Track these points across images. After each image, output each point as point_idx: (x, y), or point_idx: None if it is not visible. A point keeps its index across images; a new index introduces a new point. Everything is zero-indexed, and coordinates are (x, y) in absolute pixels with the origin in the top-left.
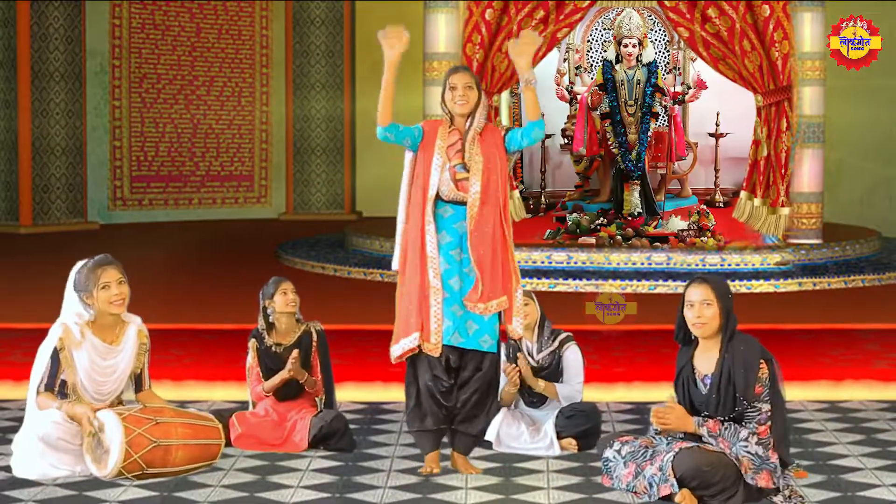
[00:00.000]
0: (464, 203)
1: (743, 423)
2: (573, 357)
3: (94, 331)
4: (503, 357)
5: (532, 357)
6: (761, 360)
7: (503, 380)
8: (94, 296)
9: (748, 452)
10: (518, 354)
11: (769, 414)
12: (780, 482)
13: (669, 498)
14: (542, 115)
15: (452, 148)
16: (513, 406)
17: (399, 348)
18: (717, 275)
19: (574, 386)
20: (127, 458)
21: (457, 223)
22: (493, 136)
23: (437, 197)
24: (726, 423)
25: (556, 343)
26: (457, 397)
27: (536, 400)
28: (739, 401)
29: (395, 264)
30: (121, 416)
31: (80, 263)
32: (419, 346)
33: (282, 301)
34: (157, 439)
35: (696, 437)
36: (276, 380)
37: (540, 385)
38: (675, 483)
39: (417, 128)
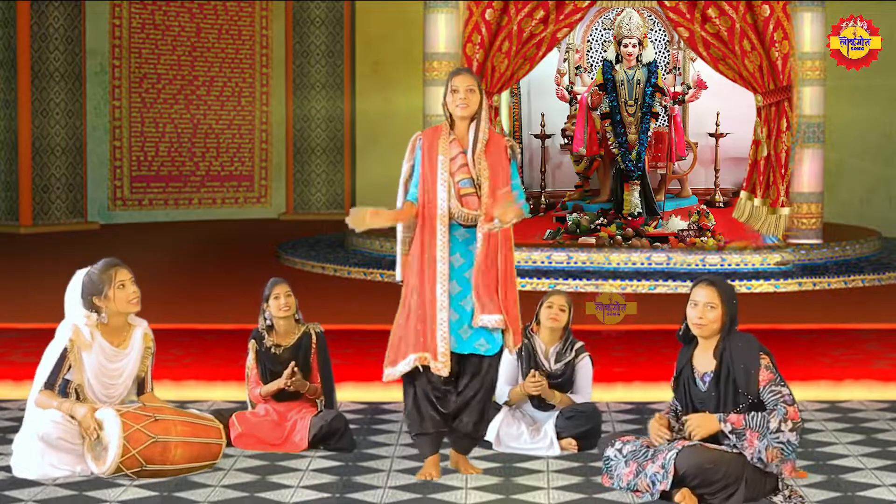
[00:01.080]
0: (467, 224)
1: (768, 411)
2: (586, 369)
3: (102, 333)
4: (511, 358)
5: (548, 362)
6: (760, 353)
7: (501, 382)
8: (111, 296)
9: (780, 443)
10: (533, 371)
11: (792, 396)
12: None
13: (670, 495)
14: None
15: (455, 162)
16: (514, 406)
17: (394, 373)
18: (718, 275)
19: (585, 397)
20: (125, 453)
21: (456, 231)
22: (499, 147)
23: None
24: (752, 413)
25: (573, 353)
26: (456, 400)
27: (545, 406)
28: (743, 396)
29: (398, 276)
30: (119, 413)
31: (83, 271)
32: (424, 366)
33: (275, 305)
34: (155, 435)
35: (706, 439)
36: (273, 387)
37: (556, 397)
38: (671, 482)
39: (416, 160)
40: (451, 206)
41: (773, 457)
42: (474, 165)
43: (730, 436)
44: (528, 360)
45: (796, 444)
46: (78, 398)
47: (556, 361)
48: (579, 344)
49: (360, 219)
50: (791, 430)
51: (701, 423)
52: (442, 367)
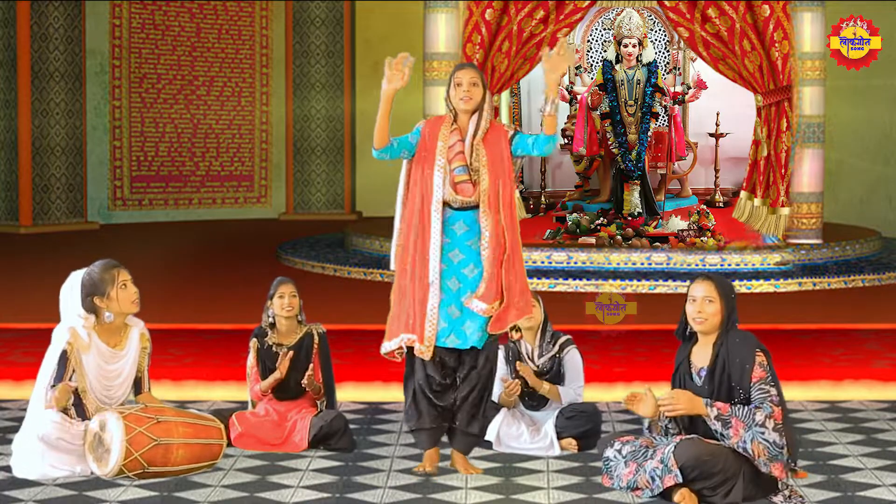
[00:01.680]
0: (464, 206)
1: (754, 406)
2: (573, 360)
3: (99, 334)
4: (501, 362)
5: (532, 361)
6: (757, 350)
7: (499, 383)
8: (114, 296)
9: (765, 439)
10: (518, 363)
11: (780, 397)
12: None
13: (670, 495)
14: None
15: (452, 149)
16: (512, 406)
17: (387, 346)
18: (719, 275)
19: (575, 389)
20: (127, 456)
21: (455, 224)
22: (498, 136)
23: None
24: (738, 405)
25: (557, 347)
26: (455, 395)
27: (536, 403)
28: (736, 391)
29: (393, 264)
30: (121, 415)
31: (79, 272)
32: (412, 348)
33: (278, 304)
34: (157, 438)
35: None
36: (270, 380)
37: (544, 387)
38: (679, 472)
39: (416, 132)
40: (445, 192)
41: (759, 452)
42: (471, 153)
43: (715, 422)
44: (515, 363)
45: (781, 445)
46: (80, 403)
47: (540, 356)
48: (564, 337)
49: (401, 70)
50: (774, 430)
51: (683, 400)
52: (425, 351)
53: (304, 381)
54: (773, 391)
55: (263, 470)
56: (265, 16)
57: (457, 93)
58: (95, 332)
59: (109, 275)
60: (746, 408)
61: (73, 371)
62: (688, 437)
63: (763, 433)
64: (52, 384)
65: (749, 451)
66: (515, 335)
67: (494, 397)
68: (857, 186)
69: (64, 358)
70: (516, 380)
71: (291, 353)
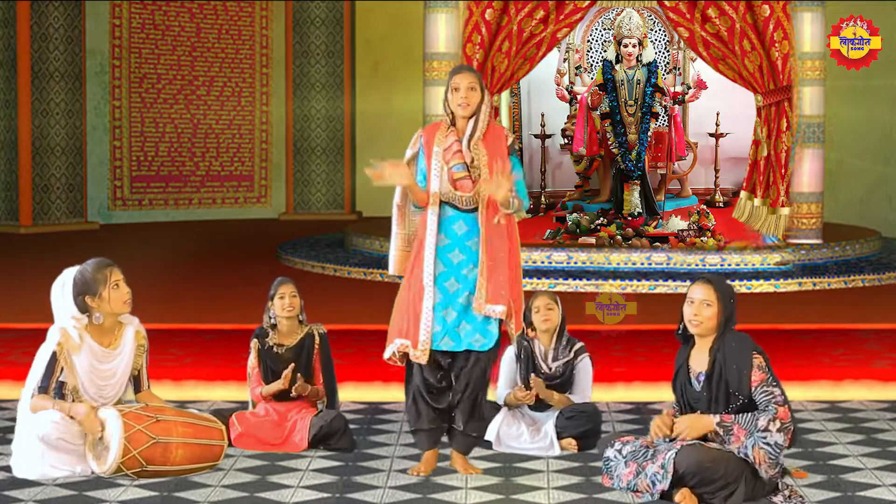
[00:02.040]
0: (465, 207)
1: (759, 411)
2: (586, 369)
3: (92, 334)
4: (512, 360)
5: (546, 363)
6: (753, 353)
7: (502, 383)
8: (105, 296)
9: (767, 444)
10: (532, 377)
11: (784, 396)
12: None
13: (670, 495)
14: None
15: (449, 150)
16: (514, 407)
17: (388, 351)
18: (718, 275)
19: (584, 398)
20: (126, 453)
21: (455, 224)
22: (498, 137)
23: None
24: (741, 414)
25: (572, 354)
26: (452, 397)
27: (543, 406)
28: (734, 396)
29: (391, 269)
30: (121, 413)
31: (71, 270)
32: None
33: (279, 305)
34: (156, 436)
35: (701, 438)
36: (273, 388)
37: (555, 398)
38: (670, 481)
39: (419, 148)
40: (444, 191)
41: (760, 458)
42: (470, 153)
43: (717, 429)
44: (528, 363)
45: (784, 446)
46: (73, 400)
47: (554, 360)
48: (579, 344)
49: (380, 173)
50: (779, 430)
51: (691, 425)
52: (420, 356)
53: (293, 391)
54: (777, 391)
55: (263, 470)
56: (265, 16)
57: (454, 98)
58: (88, 332)
59: (102, 274)
60: (749, 414)
61: (62, 371)
62: (689, 442)
63: (765, 437)
64: (41, 385)
65: (750, 457)
66: (531, 333)
67: (502, 399)
68: (857, 186)
69: (53, 359)
70: (532, 391)
71: (296, 367)
